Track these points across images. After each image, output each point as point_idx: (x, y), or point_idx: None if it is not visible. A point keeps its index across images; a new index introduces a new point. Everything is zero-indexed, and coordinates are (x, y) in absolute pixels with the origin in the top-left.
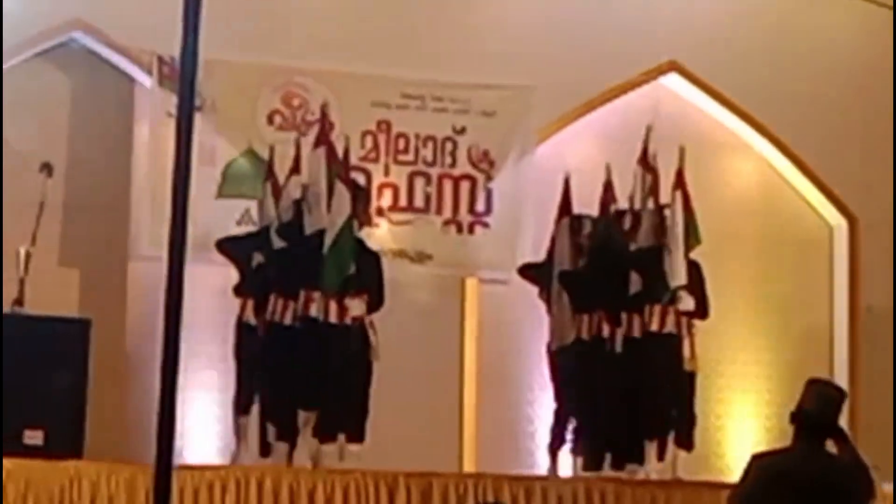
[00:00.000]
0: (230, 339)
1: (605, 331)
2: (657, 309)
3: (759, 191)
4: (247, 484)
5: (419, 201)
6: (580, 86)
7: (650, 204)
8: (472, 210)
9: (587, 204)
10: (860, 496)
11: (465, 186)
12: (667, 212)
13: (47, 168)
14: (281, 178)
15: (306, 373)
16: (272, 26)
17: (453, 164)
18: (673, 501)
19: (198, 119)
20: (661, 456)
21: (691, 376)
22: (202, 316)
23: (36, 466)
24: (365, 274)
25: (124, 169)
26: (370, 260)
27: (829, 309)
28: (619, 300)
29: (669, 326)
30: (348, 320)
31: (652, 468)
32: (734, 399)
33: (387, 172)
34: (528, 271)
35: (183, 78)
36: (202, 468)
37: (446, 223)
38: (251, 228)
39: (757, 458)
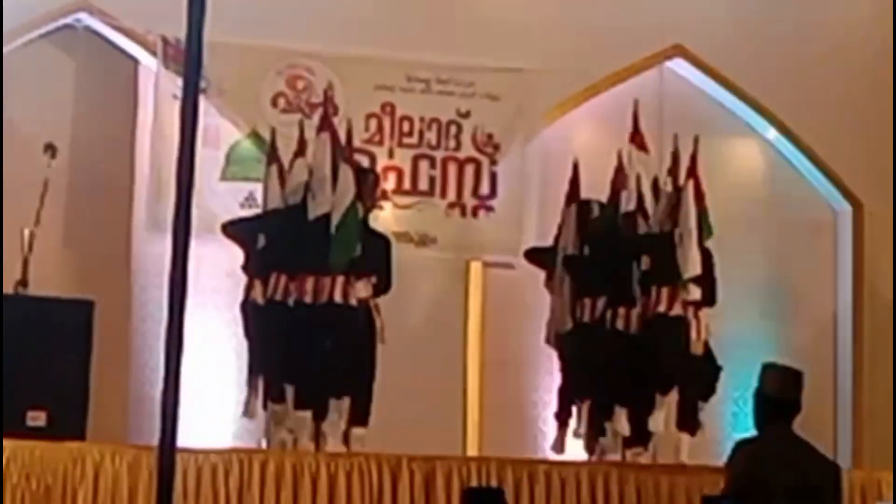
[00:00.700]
0: (234, 320)
1: (609, 314)
2: (665, 292)
3: (765, 176)
4: (250, 466)
5: (423, 184)
6: (585, 69)
7: (668, 186)
8: (476, 193)
9: (592, 188)
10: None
11: (469, 170)
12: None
13: (51, 149)
14: (285, 161)
15: (311, 355)
16: (277, 8)
17: (458, 148)
18: (677, 485)
19: (202, 101)
20: (665, 440)
21: (697, 360)
22: (206, 297)
23: (39, 448)
24: (372, 256)
25: (128, 150)
26: (378, 243)
27: (833, 294)
28: (624, 284)
29: (677, 309)
30: (353, 302)
31: (659, 452)
32: (739, 384)
33: (391, 155)
34: (534, 255)
35: (188, 60)
36: (206, 451)
37: (450, 206)
38: (256, 211)
39: (744, 445)
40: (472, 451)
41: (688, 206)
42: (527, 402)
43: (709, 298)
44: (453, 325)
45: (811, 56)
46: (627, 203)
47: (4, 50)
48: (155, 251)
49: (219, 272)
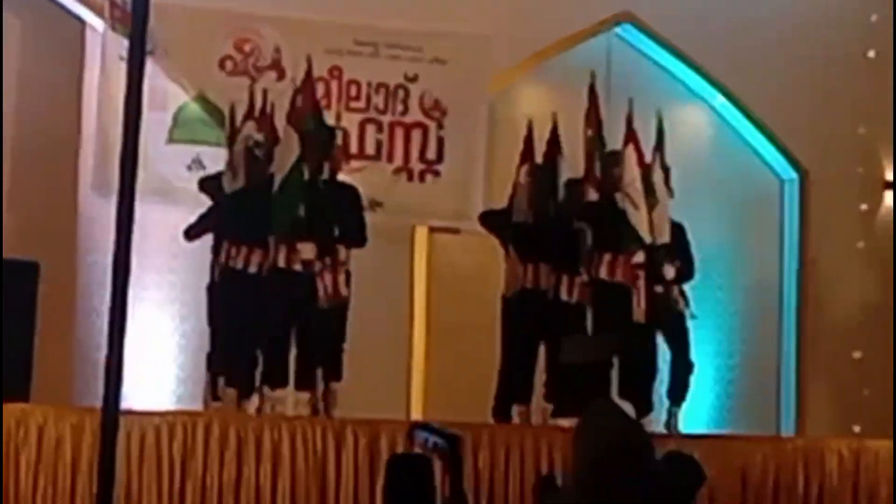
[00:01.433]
0: (179, 284)
1: (552, 280)
2: (606, 259)
3: (712, 144)
4: (194, 429)
5: (370, 148)
6: (534, 35)
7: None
8: (423, 158)
9: (538, 154)
10: None
11: (416, 134)
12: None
13: None
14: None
15: (255, 319)
16: None
17: (405, 112)
18: None
19: (149, 63)
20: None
21: (639, 327)
22: (151, 260)
23: None
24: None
25: (75, 112)
26: (344, 196)
27: (779, 262)
28: (566, 251)
29: (619, 277)
30: (297, 266)
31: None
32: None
33: (338, 119)
34: (487, 219)
35: (134, 22)
36: (149, 413)
37: (397, 171)
38: (201, 173)
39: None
40: (416, 417)
41: (630, 171)
42: (471, 367)
43: (686, 272)
44: (399, 290)
45: (758, 24)
46: (568, 169)
47: None
48: (101, 214)
49: (165, 235)
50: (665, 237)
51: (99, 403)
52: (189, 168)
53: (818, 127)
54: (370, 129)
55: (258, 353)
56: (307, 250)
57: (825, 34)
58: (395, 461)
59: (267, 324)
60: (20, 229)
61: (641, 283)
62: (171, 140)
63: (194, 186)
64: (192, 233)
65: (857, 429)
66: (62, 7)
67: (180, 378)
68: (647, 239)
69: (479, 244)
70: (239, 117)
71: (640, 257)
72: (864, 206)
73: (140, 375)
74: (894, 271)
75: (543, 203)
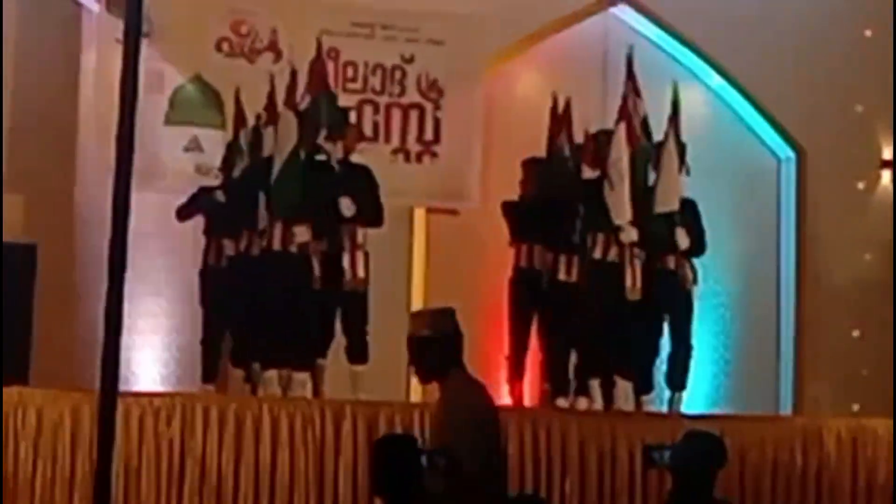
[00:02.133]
0: (175, 267)
1: (547, 260)
2: (600, 239)
3: (709, 123)
4: (192, 411)
5: (367, 130)
6: (530, 15)
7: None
8: (420, 139)
9: (536, 135)
10: None
11: (413, 115)
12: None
13: None
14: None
15: (253, 301)
16: None
17: (402, 93)
18: (618, 432)
19: (145, 45)
20: (605, 387)
21: (632, 305)
22: (148, 242)
23: None
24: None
25: (71, 94)
26: (357, 177)
27: (776, 242)
28: (562, 230)
29: (612, 256)
30: (293, 248)
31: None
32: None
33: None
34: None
35: (130, 3)
36: (147, 394)
37: (394, 152)
38: (198, 155)
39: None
40: (415, 398)
41: (619, 149)
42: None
43: (696, 248)
44: (397, 272)
45: (754, 3)
46: (565, 148)
47: None
48: (98, 195)
49: (162, 217)
50: (671, 206)
51: (97, 385)
52: (186, 149)
53: (815, 106)
54: (367, 111)
55: (256, 335)
56: (301, 233)
57: (822, 13)
58: (383, 443)
59: (269, 306)
60: (18, 211)
61: (637, 262)
62: (168, 122)
63: (191, 168)
64: (182, 213)
65: (855, 408)
66: None
67: (179, 359)
68: (617, 220)
69: (477, 225)
70: (243, 101)
71: (633, 236)
72: (861, 185)
73: (139, 357)
74: (893, 250)
75: (541, 183)
